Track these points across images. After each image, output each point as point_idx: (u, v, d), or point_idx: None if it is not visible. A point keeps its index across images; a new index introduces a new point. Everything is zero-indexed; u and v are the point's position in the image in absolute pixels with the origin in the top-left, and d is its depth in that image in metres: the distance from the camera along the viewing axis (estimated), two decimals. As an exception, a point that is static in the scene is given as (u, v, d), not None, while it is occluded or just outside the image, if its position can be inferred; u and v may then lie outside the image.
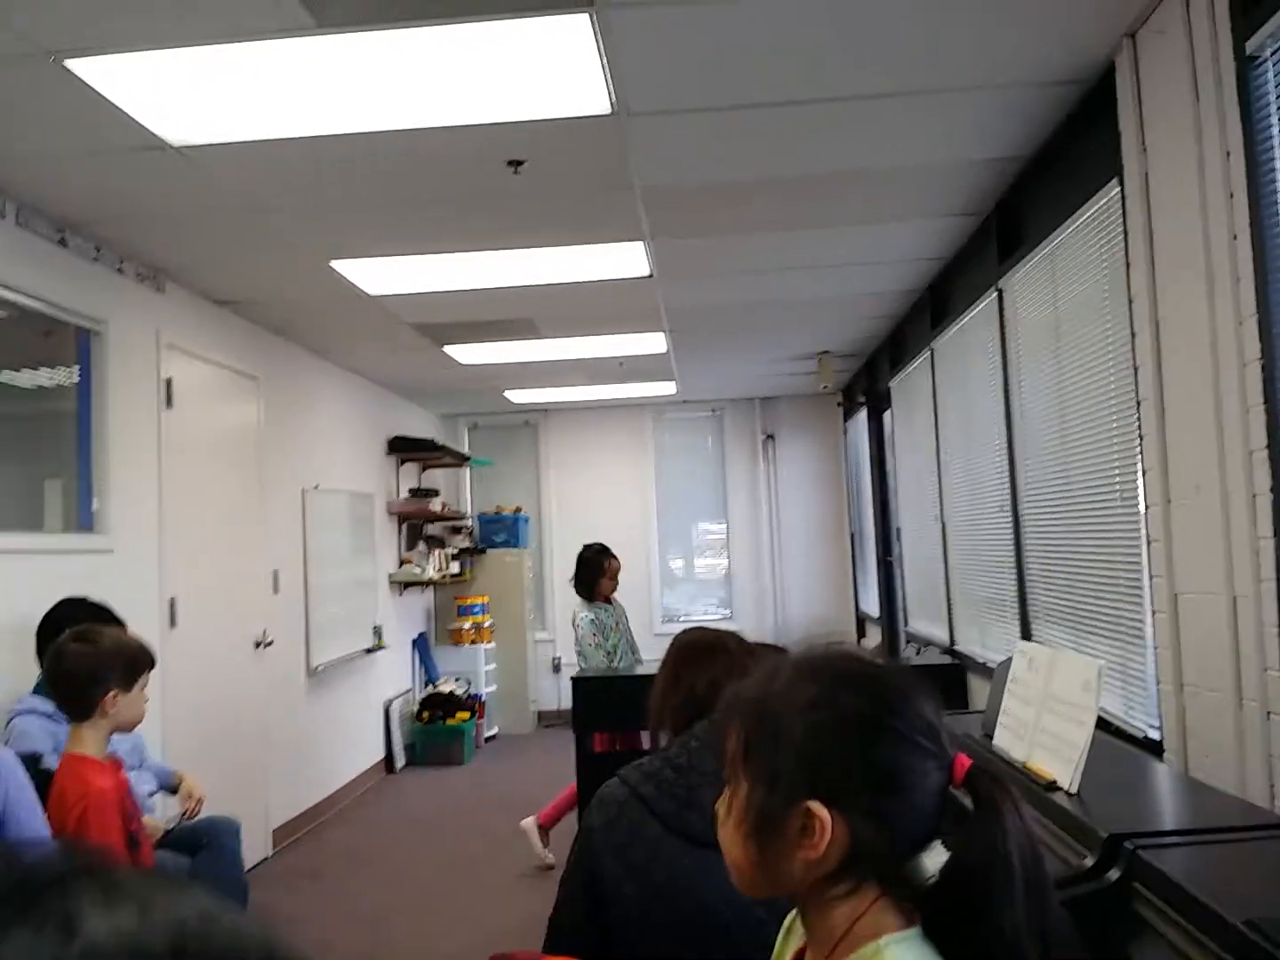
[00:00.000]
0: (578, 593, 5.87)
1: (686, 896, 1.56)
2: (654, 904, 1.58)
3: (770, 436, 9.87)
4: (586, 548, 6.02)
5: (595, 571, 5.80)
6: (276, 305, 5.52)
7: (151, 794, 3.71)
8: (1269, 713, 2.43)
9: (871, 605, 8.54)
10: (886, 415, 7.59)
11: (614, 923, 1.60)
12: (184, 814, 3.76)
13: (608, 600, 5.86)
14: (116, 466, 4.43)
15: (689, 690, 1.79)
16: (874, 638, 8.51)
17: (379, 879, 5.33)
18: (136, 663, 2.78)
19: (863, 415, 8.41)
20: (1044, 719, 2.36)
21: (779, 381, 8.88)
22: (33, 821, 2.58)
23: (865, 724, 1.01)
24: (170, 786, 3.79)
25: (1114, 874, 1.74)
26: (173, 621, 4.81)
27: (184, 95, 2.99)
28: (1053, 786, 2.17)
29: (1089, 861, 1.80)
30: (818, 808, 0.98)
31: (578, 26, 2.62)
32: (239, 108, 3.08)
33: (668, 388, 8.82)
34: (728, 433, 9.92)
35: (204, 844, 3.74)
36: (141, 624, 4.51)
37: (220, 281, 5.07)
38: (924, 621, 6.58)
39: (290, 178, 3.67)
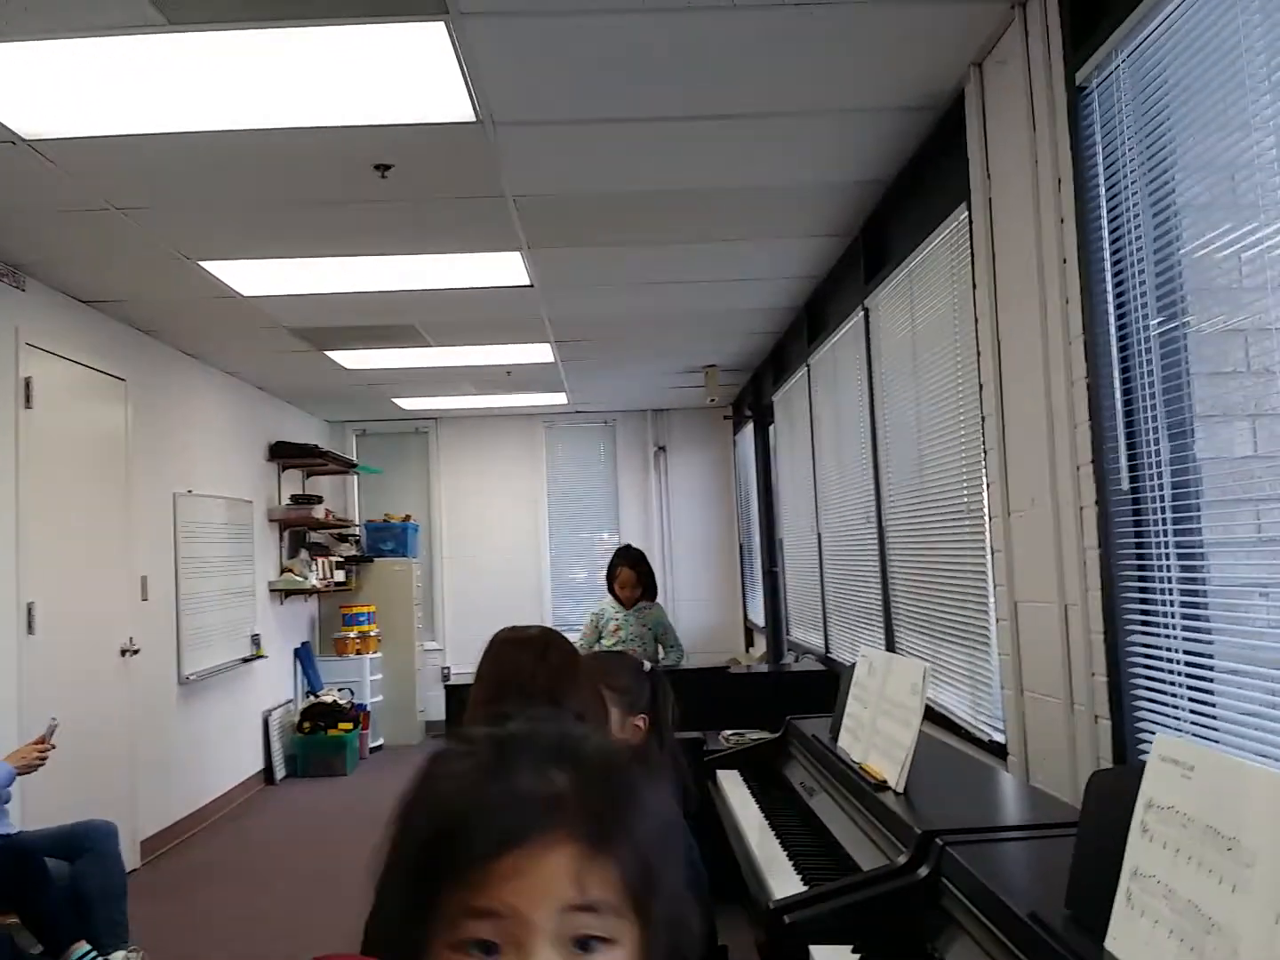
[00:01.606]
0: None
1: None
2: None
3: (662, 448, 9.95)
4: (616, 549, 5.95)
5: (610, 574, 5.68)
6: (146, 305, 5.38)
7: None
8: (1096, 716, 2.53)
9: (759, 615, 8.66)
10: (771, 429, 7.71)
11: None
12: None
13: (623, 604, 5.63)
14: (-31, 468, 4.28)
15: (497, 704, 1.82)
16: (760, 647, 8.64)
17: (249, 890, 5.23)
18: None
19: (750, 428, 8.54)
20: (878, 720, 2.43)
21: (670, 394, 8.97)
22: None
23: None
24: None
25: (923, 870, 1.80)
26: (30, 628, 4.65)
27: (33, 88, 2.91)
28: (883, 785, 2.25)
29: (903, 858, 1.86)
30: None
31: (433, 34, 2.63)
32: (92, 102, 3.01)
33: (558, 398, 8.83)
34: (620, 444, 9.97)
35: (85, 849, 3.75)
36: (-5, 630, 4.38)
37: (85, 280, 4.93)
38: (803, 630, 6.70)
39: (151, 175, 3.59)
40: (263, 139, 3.29)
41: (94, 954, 3.55)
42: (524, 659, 1.84)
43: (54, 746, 3.82)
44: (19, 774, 3.73)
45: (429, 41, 2.67)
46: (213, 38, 2.64)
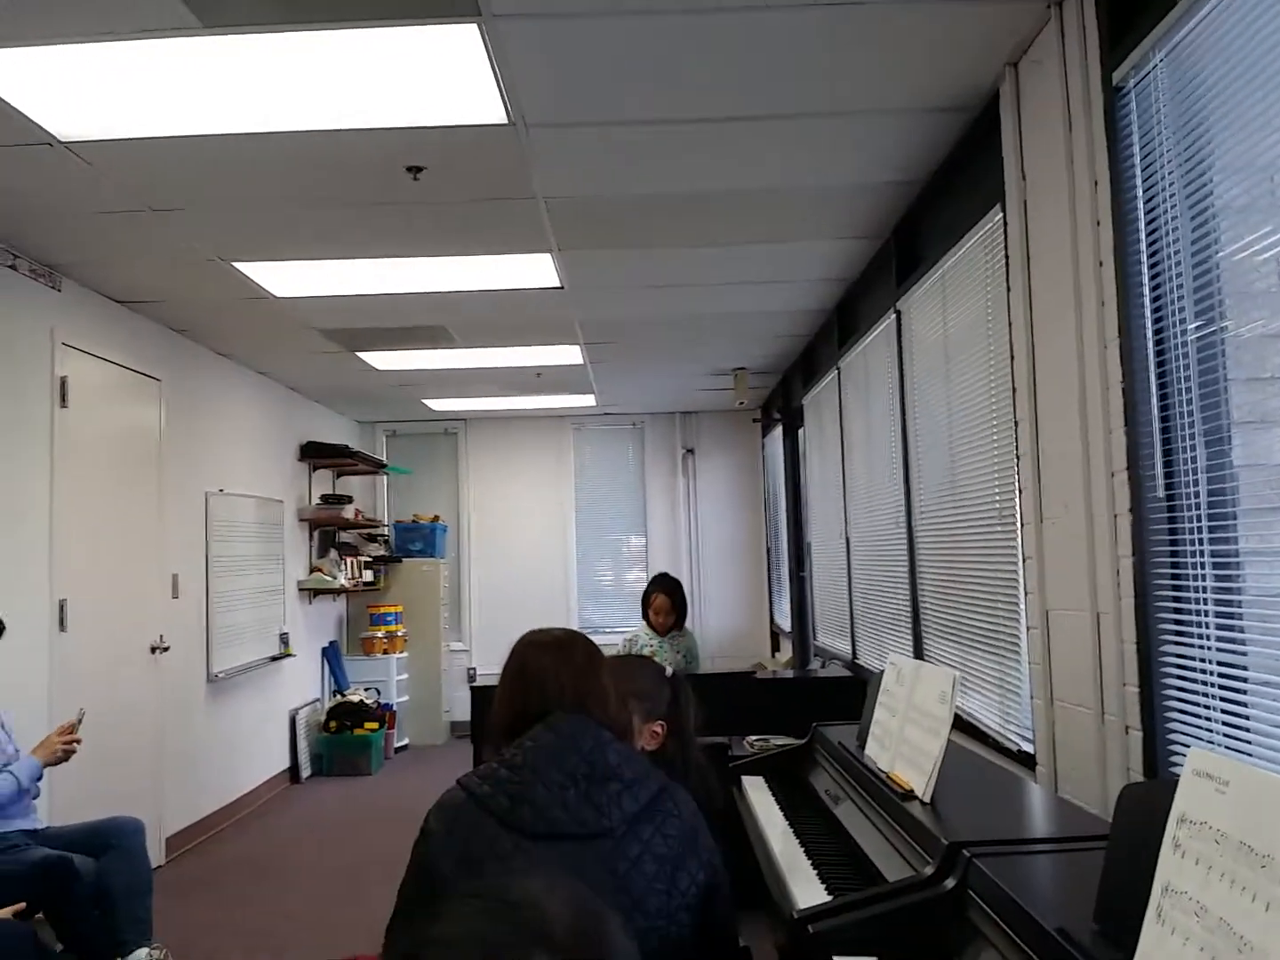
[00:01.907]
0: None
1: None
2: None
3: (690, 451, 9.93)
4: (652, 577, 6.07)
5: (645, 600, 5.76)
6: (180, 306, 5.43)
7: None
8: (1128, 727, 2.50)
9: (785, 620, 8.62)
10: (801, 432, 7.68)
11: None
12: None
13: (657, 630, 5.66)
14: (6, 465, 4.33)
15: (517, 712, 1.81)
16: (786, 652, 8.59)
17: (273, 888, 5.25)
18: None
19: (779, 432, 8.50)
20: (906, 729, 2.40)
21: (698, 396, 8.95)
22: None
23: None
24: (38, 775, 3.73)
25: (950, 882, 1.77)
26: (62, 625, 4.69)
27: (69, 91, 2.94)
28: (910, 795, 2.22)
29: (929, 870, 1.83)
30: None
31: (466, 36, 2.63)
32: (128, 105, 3.03)
33: (587, 400, 8.84)
34: (648, 446, 9.96)
35: (111, 845, 3.76)
36: (29, 626, 4.42)
37: (120, 280, 4.97)
38: (830, 635, 6.66)
39: (186, 176, 3.61)
40: (296, 141, 3.31)
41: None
42: (549, 661, 1.83)
43: (80, 740, 3.84)
44: (46, 766, 3.75)
45: (462, 44, 2.67)
46: (246, 40, 2.65)
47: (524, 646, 1.89)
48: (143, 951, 3.65)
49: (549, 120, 3.25)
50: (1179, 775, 1.27)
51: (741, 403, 8.07)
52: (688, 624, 5.88)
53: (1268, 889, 1.05)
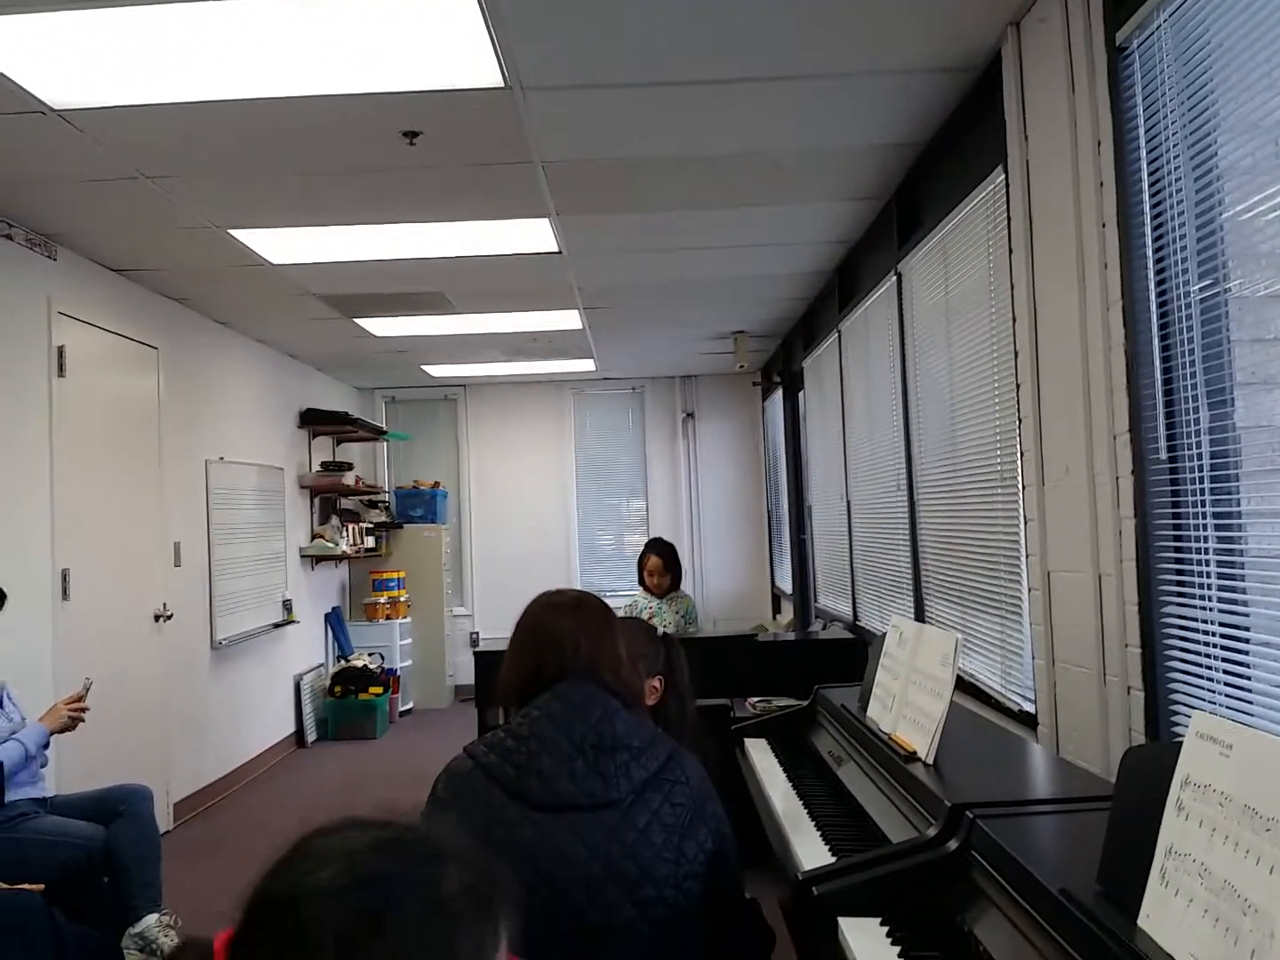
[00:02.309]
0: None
1: (525, 859, 1.59)
2: None
3: (690, 415, 9.92)
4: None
5: (640, 564, 5.88)
6: (177, 274, 5.40)
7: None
8: (1129, 688, 2.51)
9: (786, 582, 8.65)
10: (801, 395, 7.66)
11: None
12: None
13: (654, 593, 5.77)
14: (5, 435, 4.32)
15: (530, 672, 1.82)
16: (787, 614, 8.63)
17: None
18: None
19: (779, 395, 8.49)
20: (909, 691, 2.42)
21: (698, 360, 8.93)
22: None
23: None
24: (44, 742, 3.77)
25: (953, 843, 1.79)
26: (65, 594, 4.71)
27: (62, 59, 2.91)
28: (913, 757, 2.23)
29: (932, 831, 1.85)
30: None
31: (461, -3, 2.59)
32: (120, 72, 3.00)
33: (587, 364, 8.81)
34: (648, 410, 9.95)
35: (119, 811, 3.79)
36: (31, 596, 4.43)
37: (117, 249, 4.94)
38: (831, 598, 6.68)
39: (180, 144, 3.58)
40: (291, 107, 3.27)
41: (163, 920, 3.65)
42: (567, 623, 1.83)
43: (88, 709, 3.87)
44: (53, 733, 3.78)
45: (457, 6, 2.64)
46: (239, 5, 2.62)
47: (539, 608, 1.89)
48: (152, 918, 3.69)
49: (546, 83, 3.22)
50: (1181, 737, 1.29)
51: (742, 366, 8.05)
52: (687, 588, 5.94)
53: (1271, 852, 1.06)
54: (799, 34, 2.99)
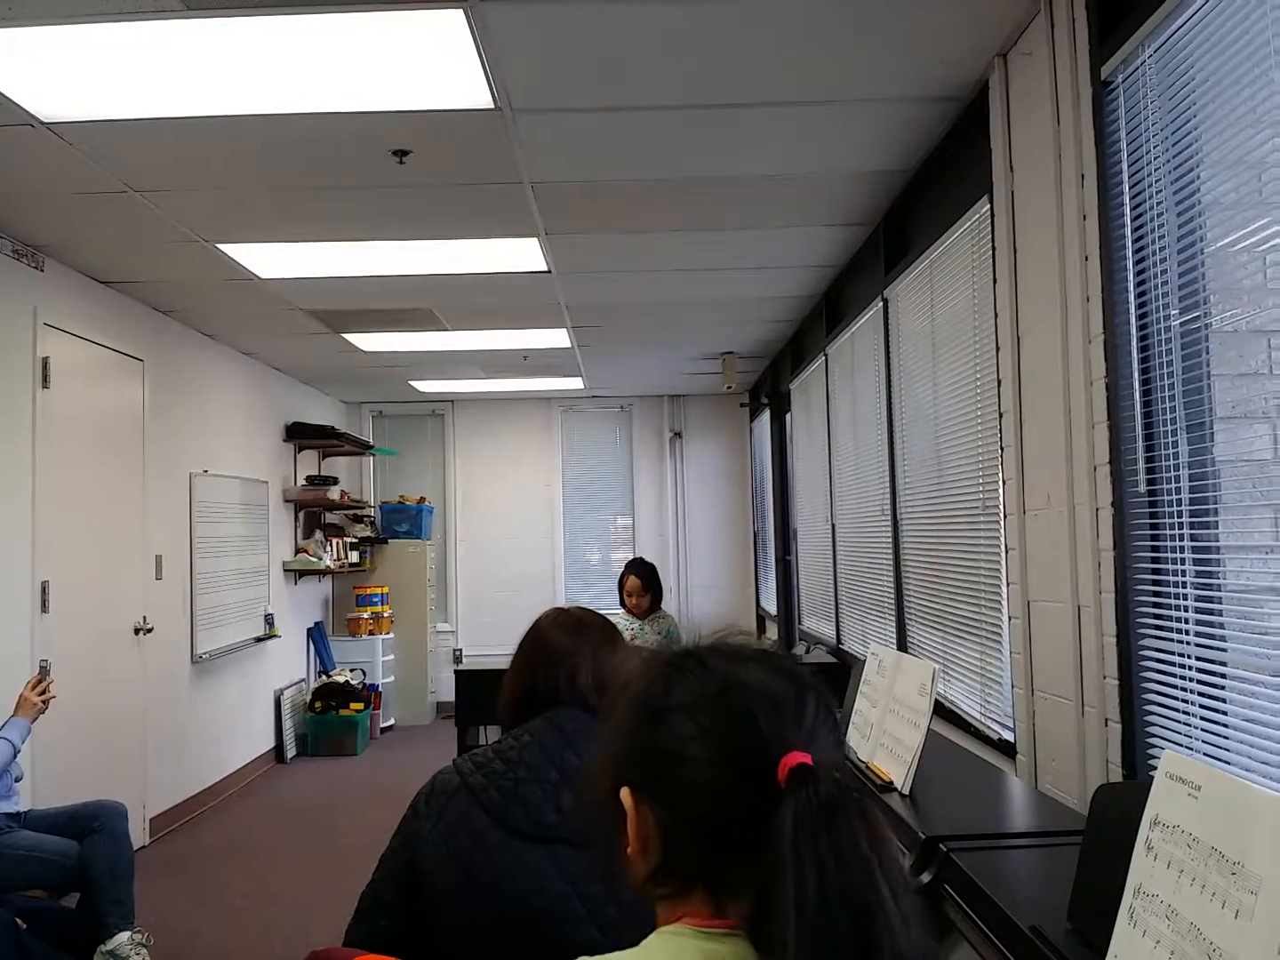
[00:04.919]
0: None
1: (501, 886, 1.57)
2: (469, 892, 1.58)
3: (677, 434, 9.93)
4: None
5: (620, 585, 5.87)
6: (164, 286, 5.39)
7: None
8: (1107, 719, 2.51)
9: (771, 603, 8.65)
10: (788, 417, 7.68)
11: (426, 907, 1.61)
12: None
13: (635, 614, 5.75)
14: (-14, 446, 4.31)
15: (527, 688, 1.80)
16: (772, 635, 8.62)
17: (256, 869, 5.26)
18: None
19: (766, 416, 8.50)
20: (886, 720, 2.42)
21: (686, 380, 8.94)
22: None
23: (650, 707, 0.97)
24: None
25: (926, 876, 1.79)
26: (44, 606, 4.68)
27: (52, 72, 2.91)
28: (888, 787, 2.23)
29: (907, 863, 1.84)
30: (624, 794, 0.96)
31: (452, 21, 2.60)
32: (110, 86, 3.00)
33: (575, 382, 8.82)
34: (635, 429, 9.96)
35: (94, 828, 3.76)
36: (10, 607, 4.40)
37: (103, 261, 4.93)
38: (816, 620, 6.68)
39: (170, 158, 3.58)
40: (281, 124, 3.28)
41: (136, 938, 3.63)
42: (568, 641, 1.81)
43: (53, 681, 3.93)
44: (32, 721, 3.81)
45: (448, 29, 2.65)
46: (230, 24, 2.62)
47: (541, 625, 1.88)
48: (124, 935, 3.65)
49: (536, 105, 3.23)
50: (1154, 775, 1.28)
51: (729, 387, 8.07)
52: (670, 607, 5.92)
53: (1237, 896, 1.06)
54: (788, 60, 3.01)
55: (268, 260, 4.87)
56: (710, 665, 0.98)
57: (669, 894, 0.94)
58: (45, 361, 4.72)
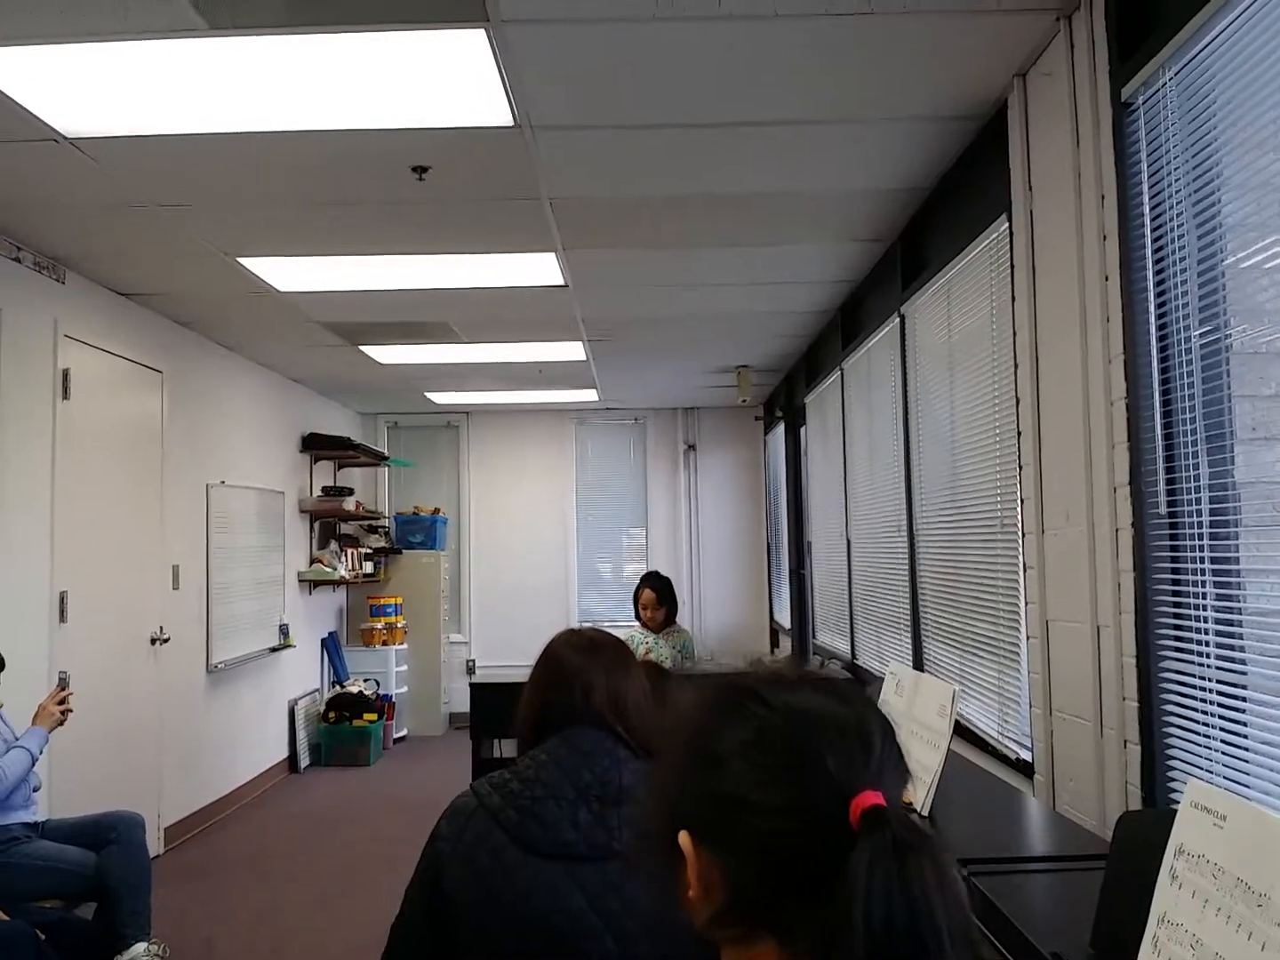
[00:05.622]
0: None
1: (520, 904, 1.58)
2: (489, 911, 1.60)
3: (692, 447, 9.93)
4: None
5: (635, 599, 5.79)
6: (184, 299, 5.43)
7: None
8: (1126, 741, 2.50)
9: (785, 617, 8.63)
10: (803, 431, 7.68)
11: (451, 928, 1.62)
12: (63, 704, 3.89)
13: (650, 627, 5.68)
14: (7, 457, 4.33)
15: (543, 707, 1.80)
16: (785, 649, 8.60)
17: (270, 878, 5.27)
18: None
19: (781, 429, 8.50)
20: (905, 741, 2.41)
21: (701, 393, 8.95)
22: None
23: (707, 750, 0.93)
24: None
25: (947, 899, 1.78)
26: (63, 616, 4.70)
27: (76, 89, 2.94)
28: (908, 808, 2.22)
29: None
30: (683, 839, 0.92)
31: (474, 41, 2.62)
32: (133, 103, 3.03)
33: (590, 395, 8.84)
34: (650, 441, 9.97)
35: (111, 839, 3.78)
36: (29, 618, 4.43)
37: (124, 274, 4.97)
38: (830, 635, 6.67)
39: (192, 174, 3.61)
40: (302, 140, 3.30)
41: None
42: (582, 661, 1.81)
43: (72, 694, 3.96)
44: (50, 731, 3.83)
45: (470, 48, 2.67)
46: (253, 42, 2.65)
47: (555, 646, 1.88)
48: (140, 946, 3.66)
49: (556, 123, 3.25)
50: (1177, 795, 1.28)
51: (744, 400, 8.07)
52: (684, 620, 5.88)
53: (1263, 928, 1.06)
54: (807, 79, 3.02)
55: (287, 274, 4.90)
56: (770, 701, 0.93)
57: (734, 937, 0.92)
58: (66, 373, 4.75)
